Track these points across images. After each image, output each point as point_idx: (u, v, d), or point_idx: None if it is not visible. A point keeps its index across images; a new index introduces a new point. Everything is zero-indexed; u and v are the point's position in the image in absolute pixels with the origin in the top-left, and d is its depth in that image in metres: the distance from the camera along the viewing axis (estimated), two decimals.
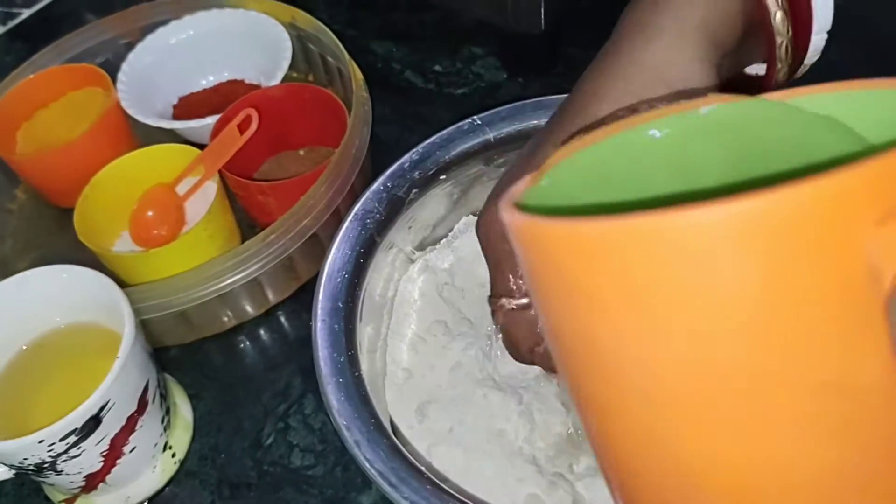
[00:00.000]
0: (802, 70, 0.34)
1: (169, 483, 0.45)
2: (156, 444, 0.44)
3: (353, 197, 0.47)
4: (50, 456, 0.38)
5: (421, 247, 0.48)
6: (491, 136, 0.45)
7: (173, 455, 0.45)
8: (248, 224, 0.55)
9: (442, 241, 0.48)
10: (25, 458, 0.38)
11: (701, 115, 0.23)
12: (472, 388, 0.43)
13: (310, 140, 0.57)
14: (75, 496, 0.44)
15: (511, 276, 0.33)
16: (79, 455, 0.39)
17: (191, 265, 0.47)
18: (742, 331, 0.17)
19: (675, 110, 0.23)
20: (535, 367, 0.35)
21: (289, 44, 0.59)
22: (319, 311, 0.39)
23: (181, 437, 0.46)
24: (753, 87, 0.36)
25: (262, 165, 0.57)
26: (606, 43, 0.33)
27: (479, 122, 0.46)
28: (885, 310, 0.17)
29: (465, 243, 0.48)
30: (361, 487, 0.44)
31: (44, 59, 0.61)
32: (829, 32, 0.32)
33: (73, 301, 0.43)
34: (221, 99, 0.60)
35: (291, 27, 0.60)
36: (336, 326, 0.39)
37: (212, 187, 0.51)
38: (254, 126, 0.50)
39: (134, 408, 0.40)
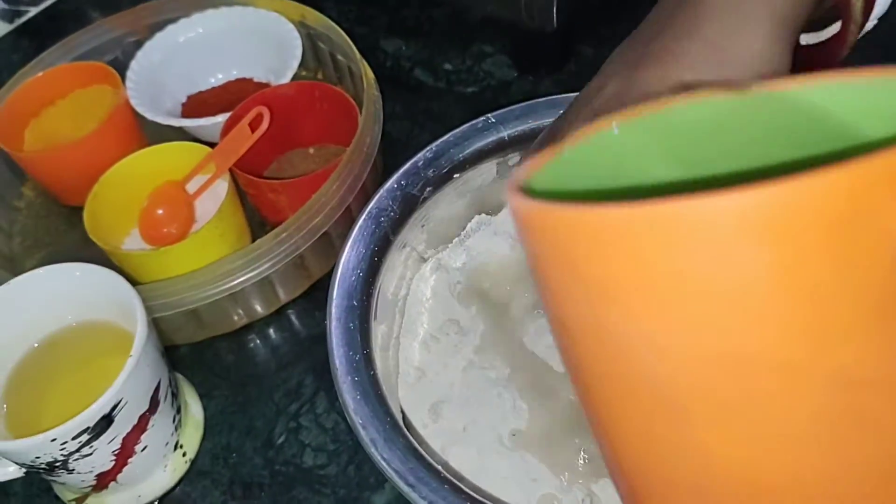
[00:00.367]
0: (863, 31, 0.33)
1: (180, 482, 0.45)
2: (167, 444, 0.44)
3: (365, 195, 0.47)
4: (62, 455, 0.38)
5: (433, 245, 0.48)
6: (505, 134, 0.45)
7: (184, 454, 0.45)
8: (258, 222, 0.55)
9: (454, 240, 0.48)
10: (38, 457, 0.38)
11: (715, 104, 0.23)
12: (486, 388, 0.43)
13: (320, 138, 0.57)
14: (86, 495, 0.44)
15: None
16: (91, 454, 0.39)
17: (201, 263, 0.46)
18: (763, 320, 0.17)
19: (682, 100, 0.23)
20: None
21: (298, 42, 0.58)
22: (334, 310, 0.39)
23: (192, 437, 0.46)
24: (814, 54, 0.34)
25: (271, 164, 0.57)
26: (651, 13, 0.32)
27: (493, 120, 0.45)
28: None
29: (477, 242, 0.48)
30: (375, 487, 0.43)
31: (52, 57, 0.60)
32: None
33: (85, 299, 0.43)
34: (230, 97, 0.60)
35: (301, 25, 0.60)
36: (351, 325, 0.38)
37: (222, 185, 0.51)
38: (265, 124, 0.50)
39: (146, 407, 0.40)
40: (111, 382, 0.37)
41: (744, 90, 0.22)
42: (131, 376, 0.38)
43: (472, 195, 0.47)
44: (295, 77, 0.57)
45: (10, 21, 0.74)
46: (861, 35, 0.33)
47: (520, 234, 0.20)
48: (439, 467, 0.34)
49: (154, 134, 0.57)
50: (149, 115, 0.56)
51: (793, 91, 0.22)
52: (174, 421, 0.44)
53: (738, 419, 0.18)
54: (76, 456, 0.38)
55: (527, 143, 0.45)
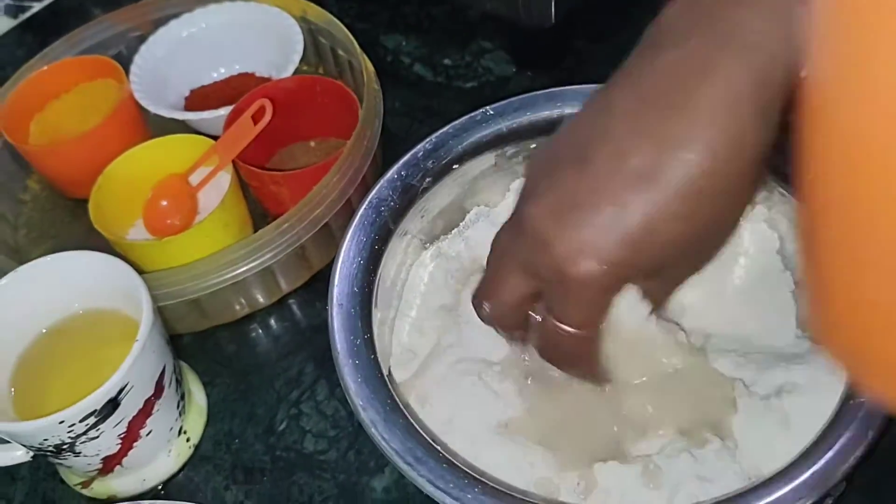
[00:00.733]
0: None
1: (184, 467, 0.46)
2: (171, 429, 0.45)
3: (365, 187, 0.48)
4: (70, 437, 0.39)
5: (433, 235, 0.48)
6: (503, 126, 0.46)
7: (188, 440, 0.46)
8: (260, 214, 0.55)
9: (454, 231, 0.49)
10: (45, 439, 0.38)
11: None
12: (480, 373, 0.43)
13: (320, 131, 0.58)
14: (91, 479, 0.44)
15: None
16: (97, 437, 0.40)
17: (204, 254, 0.47)
18: None
19: None
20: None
21: (300, 37, 0.59)
22: (336, 295, 0.40)
23: (196, 422, 0.47)
24: None
25: (273, 156, 0.58)
26: None
27: (492, 113, 0.46)
28: None
29: (476, 233, 0.48)
30: (374, 471, 0.44)
31: (56, 52, 0.61)
32: None
33: (91, 287, 0.44)
34: (233, 92, 0.60)
35: (302, 20, 0.61)
36: (352, 311, 0.39)
37: (225, 177, 0.51)
38: (268, 116, 0.51)
39: (151, 391, 0.41)
40: (117, 369, 0.38)
41: None
42: (137, 361, 0.39)
43: (471, 186, 0.48)
44: (296, 71, 0.58)
45: (15, 16, 0.74)
46: None
47: None
48: (438, 448, 0.35)
49: (158, 127, 0.58)
50: (152, 109, 0.57)
51: None
52: (178, 407, 0.45)
53: None
54: (83, 439, 0.39)
55: (524, 136, 0.46)
